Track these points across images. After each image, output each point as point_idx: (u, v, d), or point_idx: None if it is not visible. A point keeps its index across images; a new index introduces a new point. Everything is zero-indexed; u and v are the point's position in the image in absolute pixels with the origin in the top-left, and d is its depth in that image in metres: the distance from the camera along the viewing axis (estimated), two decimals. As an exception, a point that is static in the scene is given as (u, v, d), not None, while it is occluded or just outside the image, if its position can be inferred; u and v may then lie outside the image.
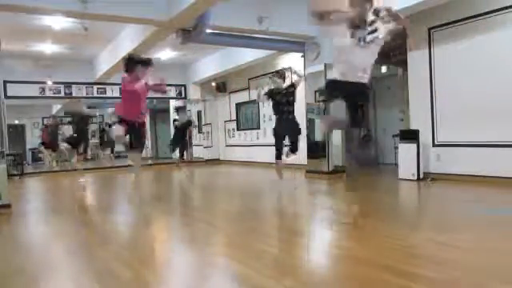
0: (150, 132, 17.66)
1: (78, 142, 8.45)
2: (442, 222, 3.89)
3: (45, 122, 16.28)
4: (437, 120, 6.65)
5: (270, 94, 6.02)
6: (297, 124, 6.04)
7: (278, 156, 5.99)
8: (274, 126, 6.11)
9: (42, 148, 13.33)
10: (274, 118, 6.19)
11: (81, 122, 8.79)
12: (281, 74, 6.15)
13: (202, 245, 3.30)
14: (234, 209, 5.07)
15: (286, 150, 6.00)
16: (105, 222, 4.58)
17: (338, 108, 3.86)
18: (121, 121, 5.00)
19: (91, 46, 9.87)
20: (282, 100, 5.93)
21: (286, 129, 5.95)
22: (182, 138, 9.53)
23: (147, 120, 16.64)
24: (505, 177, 5.62)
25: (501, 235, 3.22)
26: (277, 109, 6.01)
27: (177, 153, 9.57)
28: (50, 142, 12.69)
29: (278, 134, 5.98)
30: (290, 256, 2.99)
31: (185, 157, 9.72)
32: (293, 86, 6.06)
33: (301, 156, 6.89)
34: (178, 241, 3.60)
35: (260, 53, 9.05)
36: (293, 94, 5.97)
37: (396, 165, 7.05)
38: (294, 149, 5.95)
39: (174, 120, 10.35)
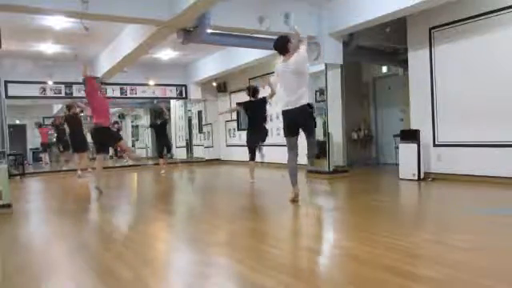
0: (151, 132, 17.67)
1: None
2: (442, 221, 3.90)
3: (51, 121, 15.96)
4: (437, 120, 6.65)
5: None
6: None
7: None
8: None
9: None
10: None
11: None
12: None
13: (202, 244, 3.31)
14: (231, 209, 5.08)
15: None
16: (105, 221, 4.59)
17: None
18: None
19: (92, 46, 9.88)
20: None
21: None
22: (162, 137, 9.71)
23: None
24: (505, 177, 5.63)
25: (501, 235, 3.22)
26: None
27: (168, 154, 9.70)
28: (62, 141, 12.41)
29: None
30: (290, 255, 2.99)
31: (166, 157, 9.79)
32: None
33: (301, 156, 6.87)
34: (179, 240, 3.61)
35: (260, 53, 9.04)
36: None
37: (397, 165, 7.06)
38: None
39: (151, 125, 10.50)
